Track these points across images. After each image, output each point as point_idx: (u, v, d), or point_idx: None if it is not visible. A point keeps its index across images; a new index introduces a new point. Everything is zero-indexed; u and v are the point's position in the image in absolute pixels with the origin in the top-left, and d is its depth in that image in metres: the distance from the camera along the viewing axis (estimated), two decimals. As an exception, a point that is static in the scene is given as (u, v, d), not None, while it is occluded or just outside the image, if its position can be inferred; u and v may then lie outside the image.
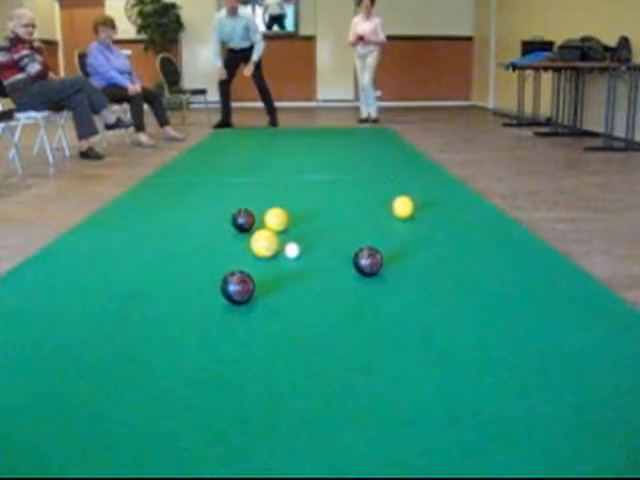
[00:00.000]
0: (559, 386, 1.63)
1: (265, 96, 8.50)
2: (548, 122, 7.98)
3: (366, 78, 8.87)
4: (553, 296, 2.29)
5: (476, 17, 12.00)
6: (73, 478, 1.28)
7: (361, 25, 8.67)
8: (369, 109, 9.12)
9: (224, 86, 8.34)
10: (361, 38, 8.61)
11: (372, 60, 8.76)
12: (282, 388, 1.63)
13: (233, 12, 8.04)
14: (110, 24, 6.71)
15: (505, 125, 8.55)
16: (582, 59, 6.54)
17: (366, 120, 9.06)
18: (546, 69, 7.72)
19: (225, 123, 8.47)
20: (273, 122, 8.56)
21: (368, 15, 8.68)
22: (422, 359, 1.79)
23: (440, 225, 3.31)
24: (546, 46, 7.86)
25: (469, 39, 12.21)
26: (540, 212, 3.62)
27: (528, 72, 8.42)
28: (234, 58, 8.34)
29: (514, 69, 8.42)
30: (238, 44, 8.27)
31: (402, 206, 3.41)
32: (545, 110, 8.24)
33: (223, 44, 8.51)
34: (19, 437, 1.41)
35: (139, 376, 1.70)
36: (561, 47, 6.95)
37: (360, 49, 8.77)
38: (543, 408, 1.52)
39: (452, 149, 6.35)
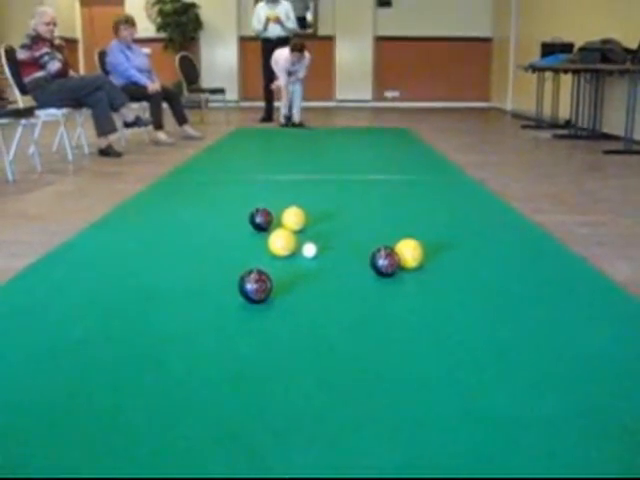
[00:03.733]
0: (576, 389, 1.61)
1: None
2: (567, 124, 7.93)
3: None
4: (572, 299, 2.27)
5: (495, 18, 11.95)
6: (87, 477, 1.28)
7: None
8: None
9: (267, 80, 8.81)
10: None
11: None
12: (298, 387, 1.63)
13: None
14: (131, 23, 6.74)
15: (524, 127, 8.50)
16: (602, 61, 6.49)
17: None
18: (566, 71, 7.67)
19: (268, 117, 9.04)
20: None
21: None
22: (438, 360, 1.78)
23: (458, 227, 3.29)
24: (566, 48, 7.81)
25: (488, 40, 12.17)
26: (559, 215, 3.59)
27: (547, 74, 8.37)
28: (272, 49, 8.58)
29: (533, 71, 8.38)
30: (275, 33, 8.69)
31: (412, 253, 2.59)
32: (564, 112, 8.18)
33: (257, 37, 8.99)
34: (33, 434, 1.42)
35: (155, 374, 1.70)
36: (581, 49, 6.90)
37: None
38: (560, 411, 1.51)
39: (470, 150, 6.32)
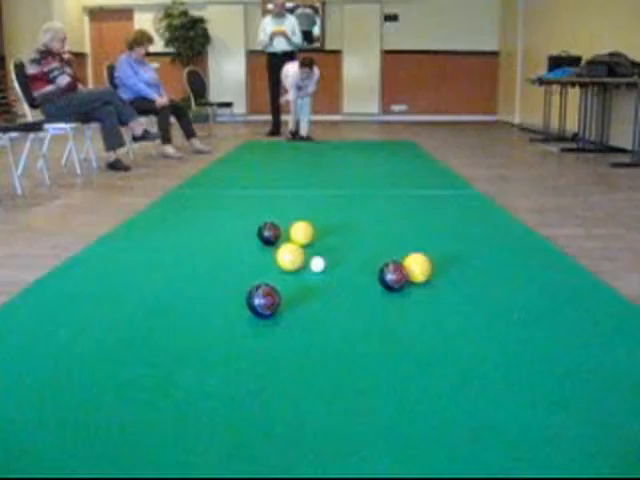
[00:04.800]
0: (585, 406, 1.60)
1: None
2: (575, 138, 7.92)
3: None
4: (581, 313, 2.26)
5: (502, 32, 11.97)
6: (88, 477, 1.28)
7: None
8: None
9: (274, 93, 8.91)
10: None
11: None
12: (307, 403, 1.63)
13: (280, 13, 8.80)
14: (151, 40, 6.84)
15: (531, 140, 8.50)
16: (609, 75, 6.49)
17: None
18: (573, 84, 7.67)
19: (276, 131, 9.10)
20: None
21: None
22: (447, 375, 1.77)
23: (466, 241, 3.29)
24: (573, 61, 7.82)
25: (495, 54, 12.19)
26: (568, 228, 3.58)
27: (555, 87, 8.37)
28: (277, 63, 8.69)
29: (541, 84, 8.38)
30: (280, 47, 8.77)
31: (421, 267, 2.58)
32: (572, 126, 8.18)
33: (262, 51, 9.09)
34: (43, 447, 1.41)
35: (163, 389, 1.70)
36: (588, 62, 6.91)
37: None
38: (568, 428, 1.50)
39: (478, 164, 6.32)
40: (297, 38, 8.90)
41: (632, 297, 2.42)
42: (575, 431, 1.48)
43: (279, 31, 8.72)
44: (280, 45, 8.79)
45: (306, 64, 7.96)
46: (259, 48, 9.21)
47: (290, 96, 8.22)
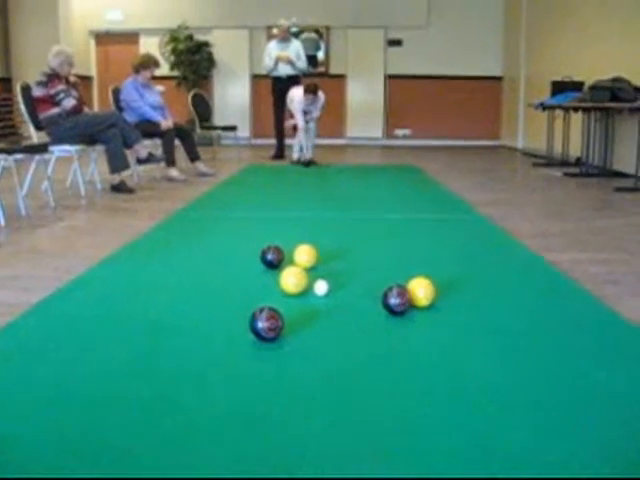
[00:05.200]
0: (591, 429, 1.59)
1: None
2: (578, 162, 7.94)
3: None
4: (585, 338, 2.25)
5: (505, 57, 12.05)
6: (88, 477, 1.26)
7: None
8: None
9: (278, 117, 8.98)
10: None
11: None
12: (310, 427, 1.62)
13: (285, 38, 8.90)
14: (158, 64, 6.90)
15: (534, 165, 8.52)
16: (612, 100, 6.52)
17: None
18: (576, 109, 7.70)
19: (280, 154, 9.14)
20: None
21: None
22: (452, 400, 1.76)
23: (469, 265, 3.28)
24: (576, 86, 7.86)
25: (498, 79, 12.25)
26: (571, 253, 3.58)
27: (558, 112, 8.41)
28: (282, 88, 8.76)
29: (544, 109, 8.42)
30: (285, 71, 8.84)
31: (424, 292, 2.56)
32: (575, 150, 8.20)
33: (267, 75, 9.15)
34: (46, 470, 1.40)
35: (166, 410, 1.69)
36: (591, 87, 6.94)
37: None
38: (576, 452, 1.48)
39: (481, 188, 6.33)
40: (302, 63, 8.96)
41: (635, 321, 2.41)
42: (577, 455, 1.47)
43: (284, 56, 8.78)
44: (285, 70, 8.85)
45: (310, 90, 8.00)
46: (264, 72, 9.28)
47: (298, 121, 8.21)
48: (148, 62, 6.80)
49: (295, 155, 8.50)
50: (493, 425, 1.62)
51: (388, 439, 1.56)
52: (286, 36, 8.99)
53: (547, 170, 7.98)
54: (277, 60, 8.80)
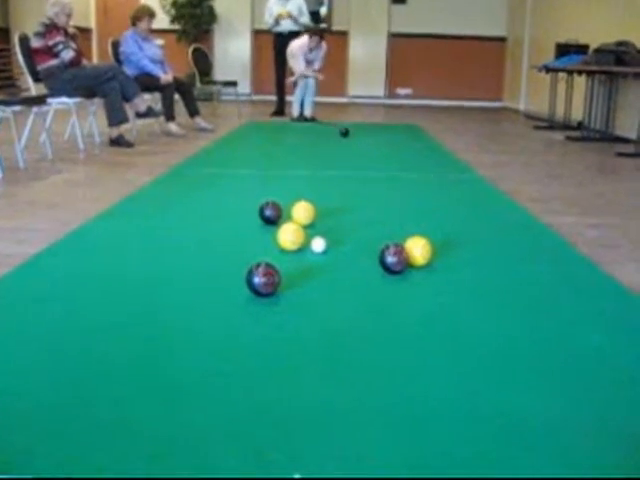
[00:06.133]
0: (582, 391, 1.60)
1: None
2: (580, 126, 7.89)
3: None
4: (579, 300, 2.26)
5: (510, 18, 11.90)
6: (86, 478, 1.28)
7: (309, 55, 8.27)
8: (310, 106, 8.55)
9: (279, 74, 8.90)
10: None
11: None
12: (304, 381, 1.63)
13: None
14: (153, 15, 6.79)
15: (536, 128, 8.46)
16: (617, 64, 6.46)
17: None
18: (579, 73, 7.63)
19: (280, 111, 9.03)
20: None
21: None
22: (446, 358, 1.77)
23: (467, 226, 3.28)
24: (580, 49, 7.78)
25: (502, 40, 12.11)
26: (570, 216, 3.57)
27: (561, 75, 8.33)
28: (283, 44, 8.62)
29: (547, 71, 8.34)
30: (287, 27, 8.69)
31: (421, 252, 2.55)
32: (577, 114, 8.14)
33: (268, 30, 9.02)
34: (35, 426, 1.41)
35: (160, 365, 1.70)
36: (596, 51, 6.88)
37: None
38: (564, 412, 1.50)
39: (482, 150, 6.30)
40: (305, 18, 8.83)
41: (631, 286, 2.42)
42: (574, 418, 1.49)
43: (283, 13, 8.65)
44: (287, 25, 8.72)
45: (316, 32, 7.89)
46: (265, 28, 9.16)
47: (298, 67, 8.13)
48: (142, 13, 6.70)
49: (295, 112, 8.44)
50: (487, 384, 1.63)
51: (382, 395, 1.57)
52: None
53: (549, 133, 7.93)
54: (278, 18, 8.67)
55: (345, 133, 6.63)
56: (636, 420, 1.49)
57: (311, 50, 8.07)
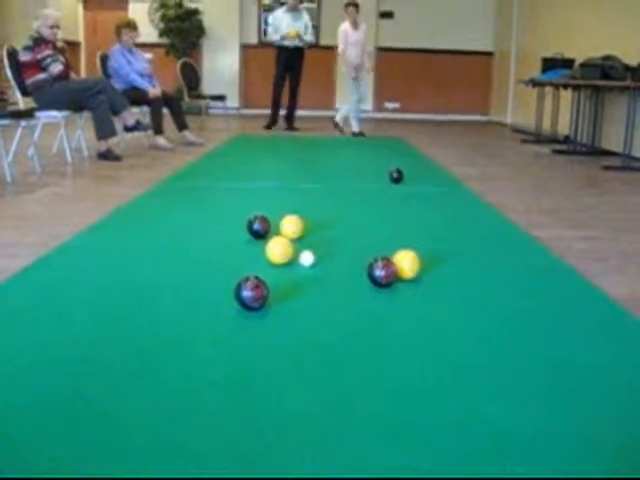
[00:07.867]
0: (569, 402, 1.61)
1: (294, 100, 8.99)
2: (566, 140, 7.95)
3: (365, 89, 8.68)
4: (567, 313, 2.27)
5: (497, 32, 11.99)
6: (79, 478, 1.27)
7: (353, 36, 8.35)
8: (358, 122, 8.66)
9: (277, 87, 8.87)
10: None
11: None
12: (293, 395, 1.63)
13: (295, 7, 8.63)
14: (133, 27, 6.76)
15: (523, 141, 8.52)
16: (602, 78, 6.52)
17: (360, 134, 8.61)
18: (566, 86, 7.70)
19: (272, 124, 9.05)
20: (291, 126, 8.72)
21: (356, 24, 8.37)
22: (434, 369, 1.78)
23: (455, 239, 3.29)
24: (567, 63, 7.84)
25: (489, 54, 12.21)
26: (557, 230, 3.59)
27: (547, 89, 8.40)
28: (288, 57, 8.69)
29: (534, 85, 8.40)
30: (292, 43, 8.68)
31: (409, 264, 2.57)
32: (564, 128, 8.20)
33: (271, 44, 9.06)
34: (26, 436, 1.41)
35: (149, 378, 1.70)
36: (582, 65, 6.93)
37: (355, 59, 8.42)
38: (550, 421, 1.50)
39: (469, 163, 6.33)
40: (309, 36, 8.82)
41: (619, 298, 2.44)
42: (561, 426, 1.49)
43: (294, 33, 8.56)
44: (292, 42, 8.68)
45: (352, 3, 7.99)
46: (254, 42, 9.17)
47: (346, 53, 8.19)
48: (120, 25, 6.71)
49: (355, 127, 8.45)
50: (475, 395, 1.64)
51: (371, 407, 1.57)
52: (297, 6, 8.74)
53: (535, 147, 7.98)
54: (285, 37, 8.59)
55: (397, 179, 4.88)
56: (621, 428, 1.49)
57: (355, 27, 8.11)
